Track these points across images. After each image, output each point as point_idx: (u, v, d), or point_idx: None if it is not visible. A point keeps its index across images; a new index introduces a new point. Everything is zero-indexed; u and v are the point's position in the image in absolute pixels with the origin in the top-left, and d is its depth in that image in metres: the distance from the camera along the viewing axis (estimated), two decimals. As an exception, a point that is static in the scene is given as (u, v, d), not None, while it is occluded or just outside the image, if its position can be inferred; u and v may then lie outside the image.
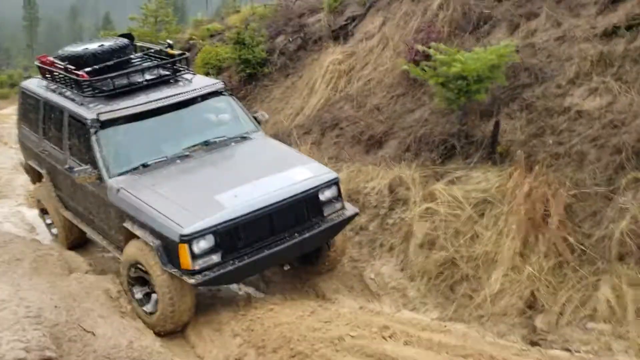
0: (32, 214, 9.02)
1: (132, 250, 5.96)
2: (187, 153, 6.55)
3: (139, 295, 6.10)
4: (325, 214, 6.17)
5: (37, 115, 7.84)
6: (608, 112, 6.68)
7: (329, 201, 6.19)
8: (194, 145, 6.68)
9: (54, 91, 7.56)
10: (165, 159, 6.47)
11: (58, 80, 7.52)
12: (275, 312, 5.67)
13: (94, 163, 6.34)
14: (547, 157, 6.66)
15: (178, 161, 6.46)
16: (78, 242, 8.04)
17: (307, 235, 6.00)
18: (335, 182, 6.24)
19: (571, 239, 5.74)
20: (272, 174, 6.13)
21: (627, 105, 6.54)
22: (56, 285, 5.75)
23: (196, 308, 6.04)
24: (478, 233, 6.36)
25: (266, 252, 5.77)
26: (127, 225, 6.03)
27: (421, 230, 6.62)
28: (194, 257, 5.47)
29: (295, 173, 6.18)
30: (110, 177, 6.26)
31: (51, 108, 7.48)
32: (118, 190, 6.14)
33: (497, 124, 7.14)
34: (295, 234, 5.97)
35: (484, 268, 6.06)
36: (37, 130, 7.90)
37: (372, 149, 8.78)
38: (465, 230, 6.46)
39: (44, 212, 8.37)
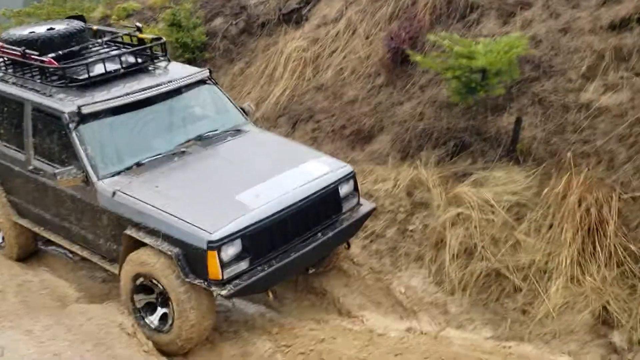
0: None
1: (140, 260, 5.25)
2: (182, 149, 5.91)
3: (145, 313, 5.47)
4: (344, 210, 5.80)
5: None
6: (632, 108, 6.44)
7: (347, 196, 5.84)
8: (187, 141, 6.05)
9: (3, 81, 6.36)
10: (159, 156, 5.81)
11: (7, 68, 6.31)
12: (328, 343, 4.92)
13: (75, 163, 5.58)
14: (573, 156, 6.32)
15: (175, 158, 5.82)
16: (28, 253, 7.07)
17: (330, 234, 5.60)
18: (352, 176, 5.88)
19: (632, 247, 5.41)
20: (287, 169, 5.67)
21: (654, 102, 6.33)
22: (68, 326, 4.71)
23: (218, 336, 5.22)
24: (520, 240, 5.92)
25: (294, 255, 5.32)
26: (131, 232, 5.31)
27: (455, 238, 6.07)
28: (223, 265, 4.92)
29: (311, 168, 5.77)
30: (99, 179, 5.53)
31: (2, 100, 6.32)
32: (113, 193, 5.42)
33: (518, 120, 6.73)
34: (319, 234, 5.56)
35: (537, 279, 5.62)
36: None
37: (358, 145, 8.15)
38: (503, 238, 6.00)
39: None
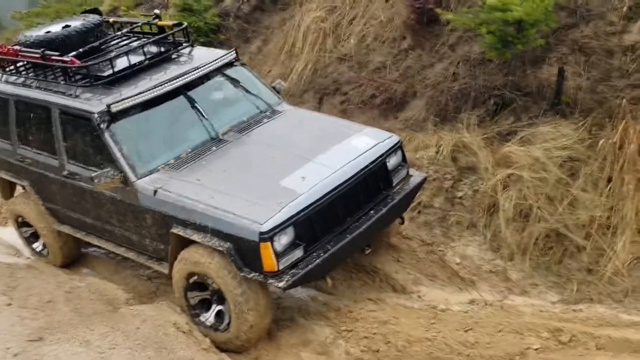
0: (7, 232, 7.43)
1: (191, 259, 5.02)
2: (220, 137, 5.64)
3: (200, 310, 5.27)
4: (394, 184, 5.49)
5: (4, 118, 6.28)
6: (683, 46, 6.07)
7: (396, 168, 5.53)
8: (223, 128, 5.75)
9: (26, 86, 6.11)
10: (196, 147, 5.53)
11: (28, 72, 6.13)
12: (392, 324, 4.70)
13: (112, 164, 5.32)
14: (625, 102, 5.97)
15: (213, 148, 5.52)
16: (72, 259, 6.90)
17: (383, 210, 5.28)
18: (399, 146, 5.57)
19: (701, 194, 5.10)
20: (330, 147, 5.35)
21: None
22: (125, 332, 4.53)
23: (274, 325, 5.07)
24: (577, 197, 5.63)
25: (349, 237, 5.02)
26: (177, 230, 5.05)
27: (508, 201, 5.79)
28: (277, 255, 4.66)
29: (356, 142, 5.44)
30: (139, 178, 5.28)
31: (27, 107, 6.07)
32: (155, 191, 5.16)
33: (561, 71, 6.38)
34: (371, 212, 5.25)
35: (600, 236, 5.34)
36: (7, 136, 6.38)
37: (391, 113, 7.85)
38: (559, 196, 5.72)
39: (22, 228, 7.00)
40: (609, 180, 5.55)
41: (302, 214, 4.77)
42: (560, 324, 4.72)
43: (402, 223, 5.82)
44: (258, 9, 10.90)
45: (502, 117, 6.71)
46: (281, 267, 4.65)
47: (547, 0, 6.31)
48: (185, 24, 6.39)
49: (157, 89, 5.51)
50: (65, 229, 6.36)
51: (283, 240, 4.69)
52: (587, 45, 6.63)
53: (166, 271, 5.36)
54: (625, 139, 5.49)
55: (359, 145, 5.38)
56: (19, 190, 7.03)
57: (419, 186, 5.72)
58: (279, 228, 4.64)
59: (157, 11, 6.67)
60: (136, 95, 5.40)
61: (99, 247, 6.33)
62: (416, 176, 5.71)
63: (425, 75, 7.73)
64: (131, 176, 5.25)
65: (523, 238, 5.68)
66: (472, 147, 6.31)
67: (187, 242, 5.05)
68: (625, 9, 6.60)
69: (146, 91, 5.45)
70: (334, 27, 9.28)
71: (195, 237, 4.91)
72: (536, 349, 4.25)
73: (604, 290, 5.13)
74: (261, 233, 4.58)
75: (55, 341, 4.58)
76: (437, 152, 6.52)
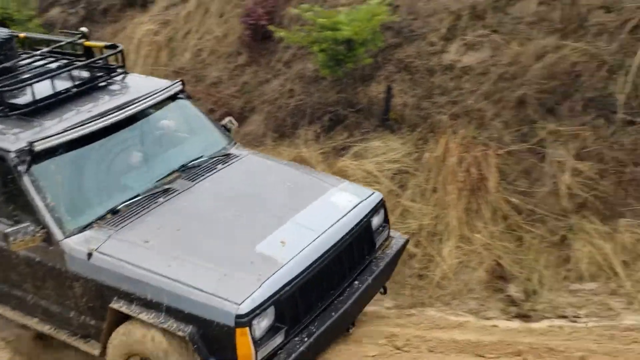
0: None
1: (134, 339, 3.97)
2: (165, 186, 4.58)
3: None
4: (377, 247, 4.69)
5: None
6: (493, 66, 6.67)
7: (378, 230, 4.72)
8: (169, 174, 4.72)
9: None
10: (138, 198, 4.48)
11: None
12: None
13: (32, 216, 4.22)
14: (446, 118, 6.46)
15: (160, 199, 4.47)
16: None
17: (369, 280, 4.44)
18: (382, 204, 4.78)
19: (514, 200, 5.63)
20: (308, 203, 4.46)
21: (513, 57, 6.58)
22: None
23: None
24: (407, 207, 5.97)
25: (335, 315, 4.14)
26: (119, 306, 3.99)
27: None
28: (255, 344, 3.72)
29: (336, 199, 4.58)
30: (67, 236, 4.20)
31: None
32: (89, 254, 4.10)
33: (389, 89, 6.76)
34: (355, 282, 4.40)
35: (429, 243, 5.71)
36: None
37: (229, 128, 7.85)
38: (391, 206, 6.01)
39: None
40: (434, 190, 5.94)
41: (286, 289, 3.85)
42: (395, 329, 4.95)
43: (385, 293, 5.02)
44: (87, 19, 10.44)
45: (336, 133, 6.97)
46: (259, 357, 3.75)
47: (374, 20, 6.67)
48: (121, 46, 5.27)
49: (91, 123, 4.45)
50: None
51: (263, 323, 3.77)
52: (411, 64, 7.08)
53: (97, 352, 4.28)
54: (446, 152, 5.91)
55: (340, 202, 4.53)
56: None
57: (402, 250, 4.96)
58: (260, 309, 3.70)
59: (84, 29, 5.57)
60: (64, 131, 4.33)
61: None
62: (397, 238, 4.95)
63: (262, 91, 7.84)
64: (57, 233, 4.18)
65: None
66: (311, 162, 6.47)
67: (126, 316, 4.07)
68: (443, 30, 7.13)
69: (79, 125, 4.40)
70: (168, 41, 9.14)
71: (144, 316, 3.87)
72: (373, 356, 4.42)
73: (434, 294, 5.47)
74: (238, 316, 3.62)
75: None
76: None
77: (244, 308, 3.63)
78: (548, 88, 6.12)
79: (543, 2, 6.59)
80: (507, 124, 6.23)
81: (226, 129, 5.43)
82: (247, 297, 3.67)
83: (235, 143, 5.28)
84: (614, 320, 4.62)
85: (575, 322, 4.73)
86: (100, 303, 4.11)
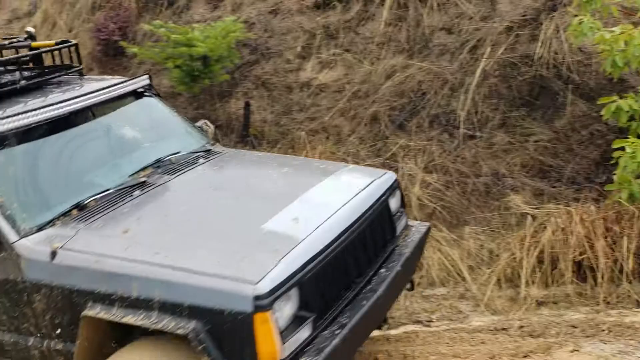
0: None
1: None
2: (142, 179, 3.87)
3: None
4: (397, 233, 4.02)
5: None
6: (348, 83, 6.94)
7: (396, 214, 4.06)
8: (142, 169, 4.02)
9: None
10: (108, 192, 3.75)
11: None
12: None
13: None
14: (304, 133, 6.63)
15: (136, 192, 3.76)
16: None
17: (398, 266, 3.75)
18: (398, 185, 4.13)
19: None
20: (317, 182, 3.85)
21: (366, 75, 6.88)
22: None
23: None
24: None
25: (367, 305, 3.39)
26: (95, 312, 3.10)
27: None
28: (281, 335, 2.89)
29: (347, 177, 4.02)
30: (22, 236, 3.38)
31: None
32: (53, 253, 3.27)
33: (247, 105, 6.83)
34: (382, 270, 3.70)
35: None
36: None
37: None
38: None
39: None
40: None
41: (309, 268, 3.10)
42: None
43: (412, 289, 4.40)
44: None
45: (195, 150, 6.90)
46: (287, 353, 2.90)
47: (229, 37, 6.71)
48: (74, 41, 4.62)
49: (48, 109, 3.80)
50: None
51: (287, 310, 2.96)
52: (269, 81, 7.19)
53: None
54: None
55: (353, 180, 3.96)
56: None
57: (425, 236, 4.28)
58: (281, 290, 2.91)
59: (30, 29, 4.89)
60: (18, 115, 3.66)
61: None
62: (417, 225, 4.31)
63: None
64: (9, 234, 3.37)
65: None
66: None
67: (108, 335, 3.25)
68: (299, 48, 7.31)
69: (33, 110, 3.74)
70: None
71: (130, 318, 3.01)
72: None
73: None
74: (256, 298, 2.81)
75: None
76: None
77: (263, 287, 2.81)
78: (398, 105, 6.45)
79: (390, 23, 6.93)
80: (362, 140, 6.49)
81: (202, 130, 4.88)
82: (265, 276, 2.87)
83: (215, 143, 4.71)
84: (463, 322, 4.91)
85: (428, 326, 4.97)
86: (70, 317, 3.23)
